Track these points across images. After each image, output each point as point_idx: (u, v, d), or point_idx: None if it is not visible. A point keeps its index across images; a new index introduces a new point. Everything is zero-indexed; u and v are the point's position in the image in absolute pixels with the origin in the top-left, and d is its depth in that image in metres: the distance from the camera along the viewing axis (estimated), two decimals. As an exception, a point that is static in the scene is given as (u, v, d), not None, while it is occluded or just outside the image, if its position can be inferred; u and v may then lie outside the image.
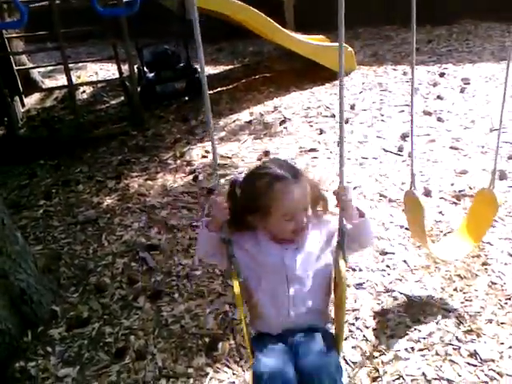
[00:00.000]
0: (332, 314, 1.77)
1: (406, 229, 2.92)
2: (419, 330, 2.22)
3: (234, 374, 2.15)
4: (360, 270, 2.65)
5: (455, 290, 2.44)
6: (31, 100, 6.25)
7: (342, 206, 1.54)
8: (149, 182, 3.95)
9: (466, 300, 2.36)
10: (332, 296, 1.71)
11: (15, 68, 5.66)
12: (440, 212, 3.05)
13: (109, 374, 2.23)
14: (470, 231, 2.41)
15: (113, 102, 6.02)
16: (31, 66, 6.43)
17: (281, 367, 1.51)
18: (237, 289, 1.59)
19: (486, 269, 2.54)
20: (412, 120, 2.12)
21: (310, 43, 5.53)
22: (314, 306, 1.65)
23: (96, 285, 2.81)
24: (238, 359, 2.21)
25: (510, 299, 2.33)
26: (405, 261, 2.68)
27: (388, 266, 2.66)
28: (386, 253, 2.76)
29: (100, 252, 3.12)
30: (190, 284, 2.73)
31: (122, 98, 6.02)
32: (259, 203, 1.55)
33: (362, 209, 1.60)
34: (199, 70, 1.48)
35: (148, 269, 2.90)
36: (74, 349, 2.40)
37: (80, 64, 7.24)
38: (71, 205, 3.74)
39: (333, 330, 1.73)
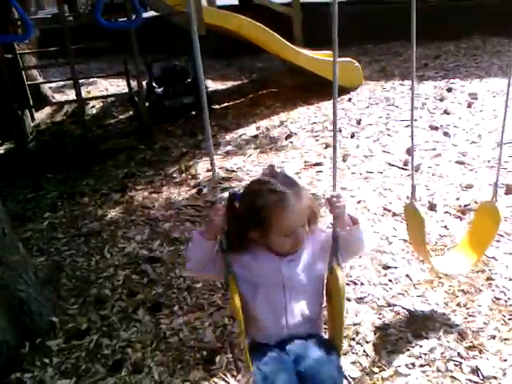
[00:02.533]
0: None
1: (410, 243, 2.88)
2: (420, 346, 2.17)
3: (230, 388, 2.12)
4: (362, 284, 2.62)
5: (458, 305, 2.39)
6: (41, 115, 6.32)
7: (335, 213, 1.54)
8: (153, 195, 3.96)
9: (469, 315, 2.31)
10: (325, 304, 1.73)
11: (26, 83, 5.74)
12: (445, 226, 3.01)
13: (105, 387, 2.21)
14: (472, 245, 2.36)
15: (121, 117, 6.08)
16: (42, 80, 6.53)
17: (282, 371, 1.52)
18: (237, 302, 1.57)
19: (490, 284, 2.49)
20: (412, 128, 2.12)
21: (317, 58, 5.55)
22: (310, 314, 1.66)
23: (96, 296, 2.80)
24: (235, 373, 2.17)
25: (514, 315, 2.28)
26: (407, 275, 2.64)
27: (390, 281, 2.62)
28: (389, 267, 2.72)
29: (102, 264, 3.11)
30: (190, 297, 2.71)
31: (131, 112, 6.08)
32: (260, 219, 1.54)
33: (355, 216, 1.61)
34: (204, 85, 1.52)
35: (149, 281, 2.89)
36: (71, 360, 2.38)
37: (90, 80, 7.33)
38: (76, 217, 3.76)
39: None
